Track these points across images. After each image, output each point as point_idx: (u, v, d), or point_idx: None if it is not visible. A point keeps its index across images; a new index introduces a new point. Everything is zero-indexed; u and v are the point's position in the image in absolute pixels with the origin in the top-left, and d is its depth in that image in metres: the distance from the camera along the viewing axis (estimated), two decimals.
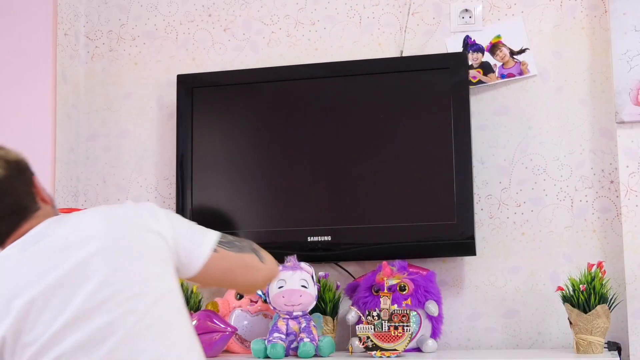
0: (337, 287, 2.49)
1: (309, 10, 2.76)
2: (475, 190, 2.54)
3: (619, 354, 2.31)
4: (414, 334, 2.34)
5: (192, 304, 2.54)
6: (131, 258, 1.65)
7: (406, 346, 2.27)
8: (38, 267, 1.62)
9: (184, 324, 1.69)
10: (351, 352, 2.34)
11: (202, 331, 2.35)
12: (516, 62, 2.59)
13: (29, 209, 1.73)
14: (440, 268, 2.56)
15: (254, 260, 1.86)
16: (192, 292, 2.56)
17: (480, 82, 2.60)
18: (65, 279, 1.60)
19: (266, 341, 2.30)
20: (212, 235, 1.80)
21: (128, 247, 1.66)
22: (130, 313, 1.59)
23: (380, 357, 2.25)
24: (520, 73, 2.59)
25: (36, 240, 1.67)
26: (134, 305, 1.60)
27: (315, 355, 2.31)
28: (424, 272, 2.45)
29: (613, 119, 2.46)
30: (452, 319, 2.55)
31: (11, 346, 1.58)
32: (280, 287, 2.33)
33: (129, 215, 1.73)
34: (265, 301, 2.43)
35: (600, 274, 2.25)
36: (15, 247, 1.68)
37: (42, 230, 1.69)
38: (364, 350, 2.28)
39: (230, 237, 1.85)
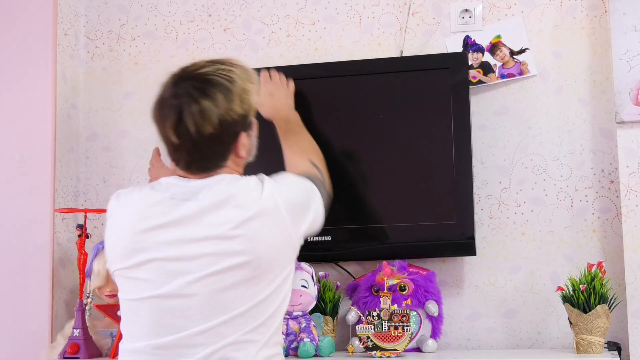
0: (337, 287, 2.49)
1: (309, 10, 2.76)
2: (475, 190, 2.53)
3: (619, 354, 2.31)
4: (414, 334, 2.34)
5: None
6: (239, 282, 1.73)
7: (406, 346, 2.27)
8: (169, 233, 1.73)
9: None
10: (351, 352, 2.34)
11: None
12: (516, 62, 2.59)
13: (215, 166, 1.81)
14: (440, 268, 2.56)
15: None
16: None
17: (480, 82, 2.60)
18: (182, 262, 1.72)
19: None
20: (319, 209, 1.92)
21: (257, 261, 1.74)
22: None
23: (380, 357, 2.25)
24: (520, 73, 2.59)
25: (185, 198, 1.75)
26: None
27: (315, 355, 2.31)
28: (424, 272, 2.45)
29: (613, 119, 2.46)
30: (452, 319, 2.55)
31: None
32: None
33: (274, 223, 1.77)
34: None
35: (600, 274, 2.25)
36: (169, 190, 1.78)
37: (198, 186, 1.77)
38: (364, 350, 2.28)
39: (321, 189, 1.97)
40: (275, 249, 1.76)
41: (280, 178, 1.88)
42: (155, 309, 1.73)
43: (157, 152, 2.44)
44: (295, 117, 2.22)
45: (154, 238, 1.74)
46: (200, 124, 1.74)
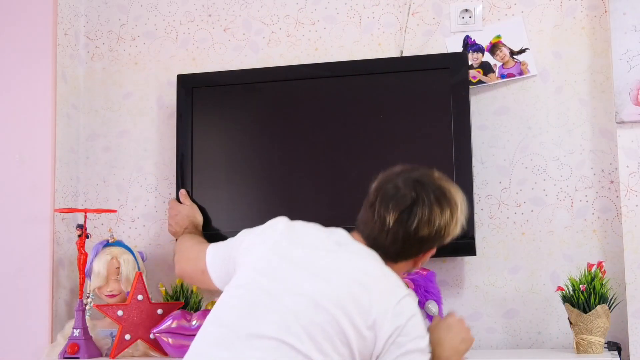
0: None
1: (309, 10, 2.76)
2: (475, 190, 2.53)
3: (619, 354, 2.31)
4: None
5: (192, 304, 2.54)
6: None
7: None
8: (304, 260, 1.81)
9: None
10: None
11: None
12: (516, 62, 2.59)
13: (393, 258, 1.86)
14: (440, 268, 2.56)
15: None
16: (192, 292, 2.56)
17: (480, 82, 2.60)
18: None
19: None
20: None
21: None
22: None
23: None
24: (520, 73, 2.59)
25: (339, 243, 1.86)
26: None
27: None
28: (424, 272, 2.45)
29: (613, 119, 2.46)
30: None
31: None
32: None
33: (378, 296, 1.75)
34: None
35: (600, 274, 2.25)
36: (335, 233, 1.89)
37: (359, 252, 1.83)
38: None
39: None
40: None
41: (421, 325, 1.79)
42: None
43: (185, 194, 2.58)
44: None
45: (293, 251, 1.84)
46: (421, 226, 1.84)
